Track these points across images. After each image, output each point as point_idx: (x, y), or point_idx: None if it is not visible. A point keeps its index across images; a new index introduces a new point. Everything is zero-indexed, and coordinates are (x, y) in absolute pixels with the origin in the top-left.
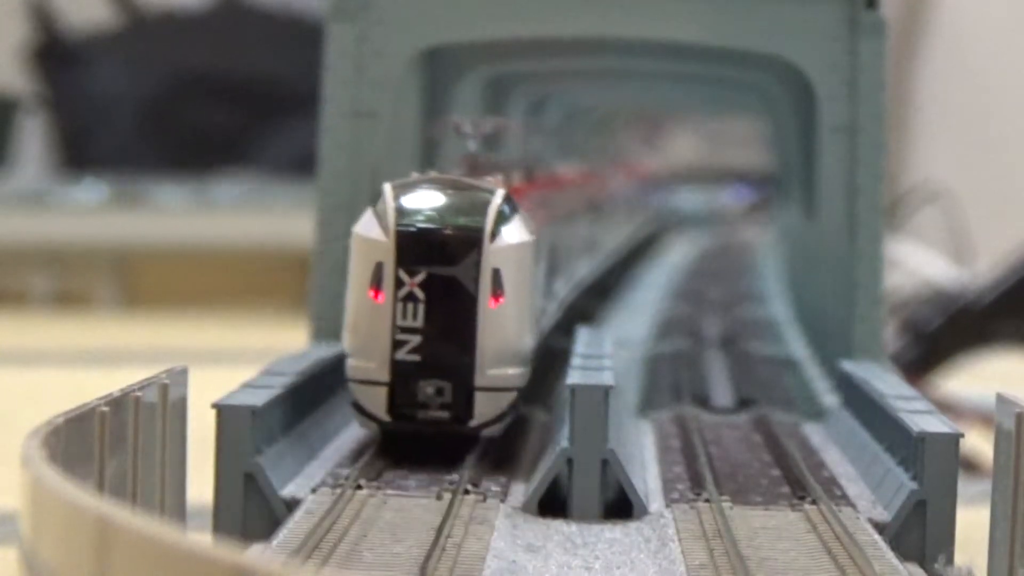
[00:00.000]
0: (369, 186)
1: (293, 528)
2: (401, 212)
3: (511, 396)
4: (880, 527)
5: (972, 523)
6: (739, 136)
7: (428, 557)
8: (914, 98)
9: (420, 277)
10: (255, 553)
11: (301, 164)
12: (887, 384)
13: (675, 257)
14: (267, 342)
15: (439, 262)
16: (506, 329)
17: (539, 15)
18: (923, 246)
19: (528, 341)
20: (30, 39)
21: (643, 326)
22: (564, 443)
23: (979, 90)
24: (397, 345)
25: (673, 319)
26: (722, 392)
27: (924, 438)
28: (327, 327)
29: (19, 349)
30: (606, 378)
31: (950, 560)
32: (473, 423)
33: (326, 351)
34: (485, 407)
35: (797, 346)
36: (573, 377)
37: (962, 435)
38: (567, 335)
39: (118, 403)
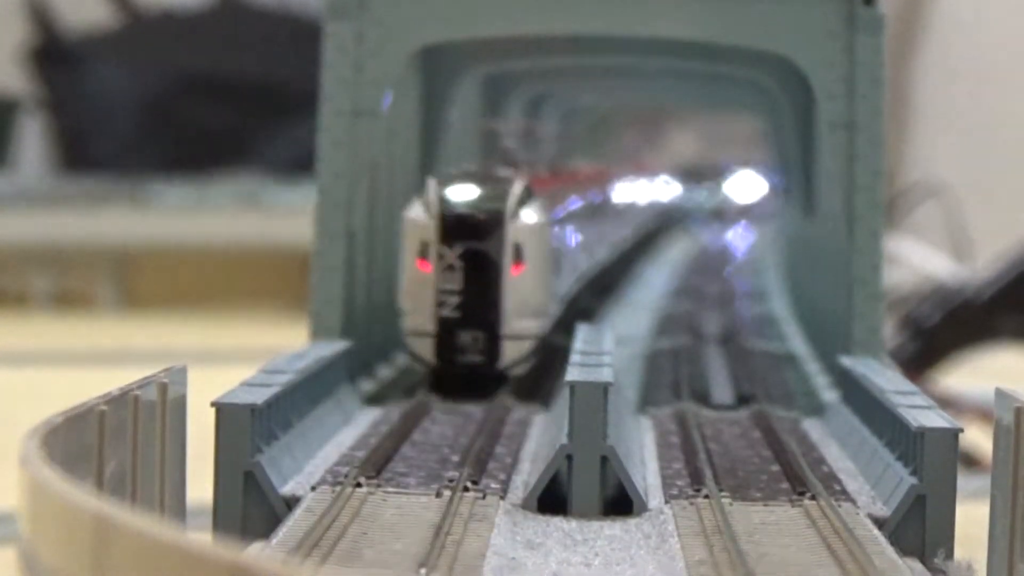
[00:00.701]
0: (368, 184)
1: (293, 526)
2: (442, 200)
3: (531, 343)
4: (880, 522)
5: (972, 518)
6: (738, 134)
7: (428, 554)
8: (913, 95)
9: (457, 251)
10: (255, 551)
11: (300, 163)
12: (886, 380)
13: (675, 253)
14: (267, 341)
15: (472, 239)
16: (526, 290)
17: (537, 13)
18: (922, 242)
19: (544, 299)
20: (29, 39)
21: (643, 323)
22: (564, 440)
23: (978, 86)
24: (440, 304)
25: (673, 316)
26: (722, 388)
27: (923, 433)
28: (327, 325)
29: (19, 349)
30: (605, 375)
31: (950, 555)
32: (501, 364)
33: (326, 349)
34: (510, 351)
35: (796, 342)
36: (572, 374)
37: (961, 430)
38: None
39: (117, 402)
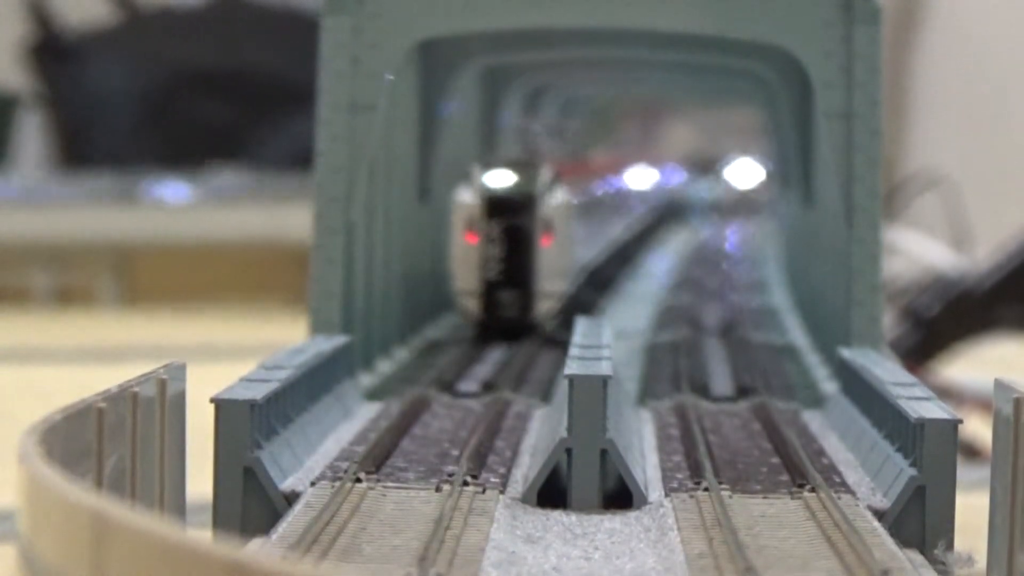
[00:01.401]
0: (367, 178)
1: (292, 521)
2: (485, 184)
3: (558, 299)
4: (880, 514)
5: (972, 508)
6: (736, 125)
7: (427, 549)
8: (912, 85)
9: (498, 226)
10: (255, 547)
11: (299, 158)
12: (886, 371)
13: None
14: (267, 337)
15: (510, 216)
16: (553, 258)
17: (535, 6)
18: (922, 233)
19: (569, 265)
20: (28, 36)
21: (643, 316)
22: (563, 433)
23: (977, 76)
24: (485, 269)
25: (673, 308)
26: (721, 381)
27: (923, 424)
28: (326, 320)
29: (19, 345)
30: (604, 368)
31: (950, 546)
32: (534, 317)
33: (325, 344)
34: (541, 307)
35: (796, 334)
36: (571, 367)
37: (961, 421)
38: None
39: (116, 399)
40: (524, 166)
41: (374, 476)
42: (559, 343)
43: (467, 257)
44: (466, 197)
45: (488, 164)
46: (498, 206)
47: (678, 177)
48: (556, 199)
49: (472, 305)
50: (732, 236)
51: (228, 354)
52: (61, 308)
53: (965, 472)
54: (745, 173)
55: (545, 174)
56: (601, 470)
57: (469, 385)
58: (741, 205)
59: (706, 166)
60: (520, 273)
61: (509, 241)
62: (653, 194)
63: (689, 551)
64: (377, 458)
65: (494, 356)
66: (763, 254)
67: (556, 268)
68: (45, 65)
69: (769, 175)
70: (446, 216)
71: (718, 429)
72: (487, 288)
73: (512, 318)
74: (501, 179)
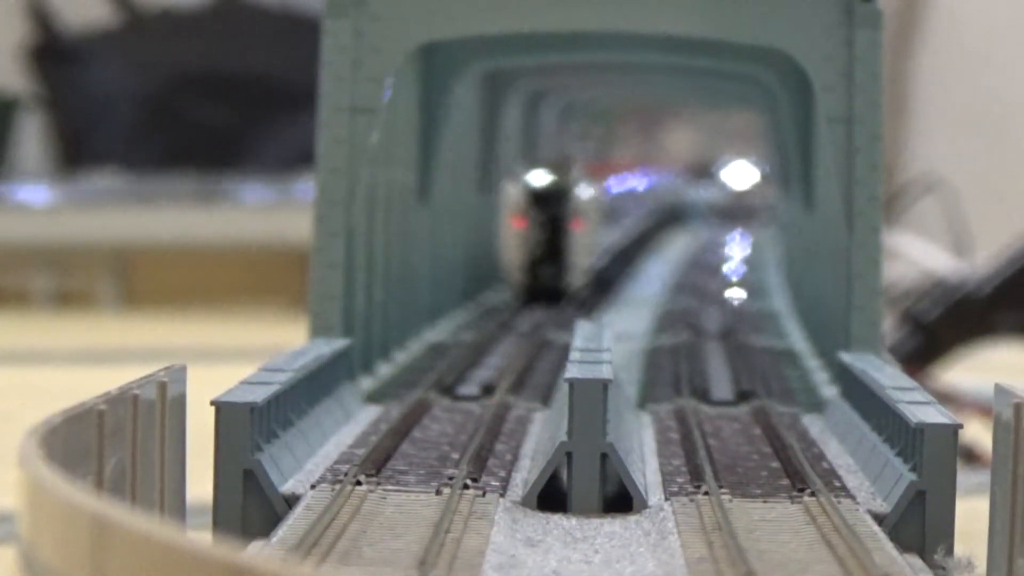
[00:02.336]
0: (367, 181)
1: (293, 524)
2: (529, 181)
3: (586, 272)
4: (879, 518)
5: (972, 513)
6: (736, 129)
7: (427, 552)
8: (912, 90)
9: (540, 214)
10: (255, 550)
11: (300, 160)
12: (886, 375)
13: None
14: (267, 340)
15: (549, 206)
16: (583, 240)
17: (535, 9)
18: (922, 238)
19: (595, 245)
20: (28, 38)
21: (643, 319)
22: (563, 437)
23: (977, 81)
24: (530, 248)
25: (673, 312)
26: (721, 385)
27: (923, 429)
28: (326, 323)
29: (19, 348)
30: (604, 372)
31: (950, 551)
32: (567, 286)
33: (325, 347)
34: (574, 278)
35: (796, 338)
36: (571, 371)
37: (961, 426)
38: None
39: (116, 401)
40: (559, 166)
41: (374, 479)
42: (587, 304)
43: (516, 239)
44: (514, 191)
45: (531, 165)
46: (539, 199)
47: (677, 181)
48: (585, 193)
49: (519, 277)
50: (730, 252)
51: (228, 357)
52: (61, 310)
53: (964, 477)
54: (741, 175)
55: (576, 172)
56: (601, 474)
57: (469, 388)
58: (738, 209)
59: (702, 171)
60: (557, 251)
61: (548, 227)
62: (655, 194)
63: (689, 555)
64: (377, 461)
65: (494, 360)
66: (763, 258)
67: (585, 247)
68: (45, 67)
69: (764, 177)
70: (447, 217)
71: (718, 433)
72: (532, 263)
73: (551, 286)
74: (542, 177)
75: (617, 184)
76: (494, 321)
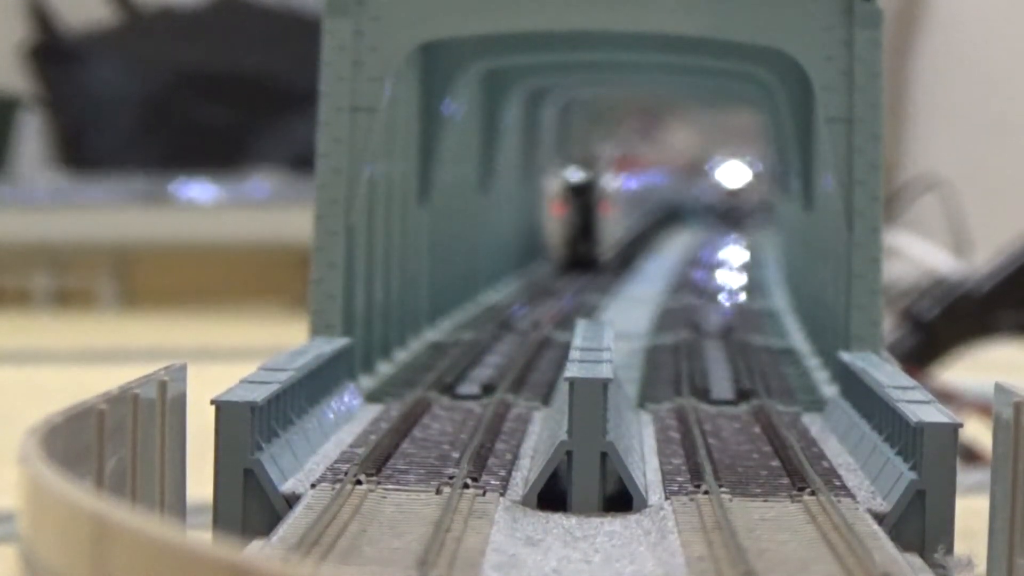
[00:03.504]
0: (368, 180)
1: (293, 524)
2: (567, 175)
3: (612, 246)
4: (879, 517)
5: (971, 512)
6: (736, 127)
7: (427, 551)
8: (912, 89)
9: (575, 202)
10: (255, 549)
11: (300, 160)
12: (885, 374)
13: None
14: (268, 339)
15: (582, 195)
16: (609, 221)
17: (535, 8)
18: (922, 238)
19: (620, 225)
20: (28, 38)
21: (644, 318)
22: (563, 436)
23: (977, 80)
24: (568, 229)
25: (672, 310)
26: (721, 384)
27: (923, 428)
28: (327, 322)
29: (20, 347)
30: (605, 371)
31: (950, 550)
32: (597, 257)
33: (326, 346)
34: (603, 250)
35: (796, 337)
36: (571, 370)
37: (961, 425)
38: (656, 227)
39: (117, 400)
40: (589, 162)
41: (374, 478)
42: (614, 271)
43: (556, 222)
44: (554, 183)
45: (566, 162)
46: (574, 190)
47: (672, 179)
48: (610, 184)
49: (559, 252)
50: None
51: (228, 356)
52: (61, 310)
53: (964, 475)
54: (734, 174)
55: (603, 167)
56: (601, 473)
57: (469, 387)
58: (731, 209)
59: (696, 169)
60: (589, 231)
61: (582, 211)
62: (658, 192)
63: (689, 554)
64: (377, 460)
65: (494, 359)
66: (762, 257)
67: (611, 226)
68: (45, 67)
69: (758, 175)
70: (448, 216)
71: (718, 432)
72: (570, 240)
73: (585, 257)
74: (575, 172)
75: (638, 176)
76: (541, 286)
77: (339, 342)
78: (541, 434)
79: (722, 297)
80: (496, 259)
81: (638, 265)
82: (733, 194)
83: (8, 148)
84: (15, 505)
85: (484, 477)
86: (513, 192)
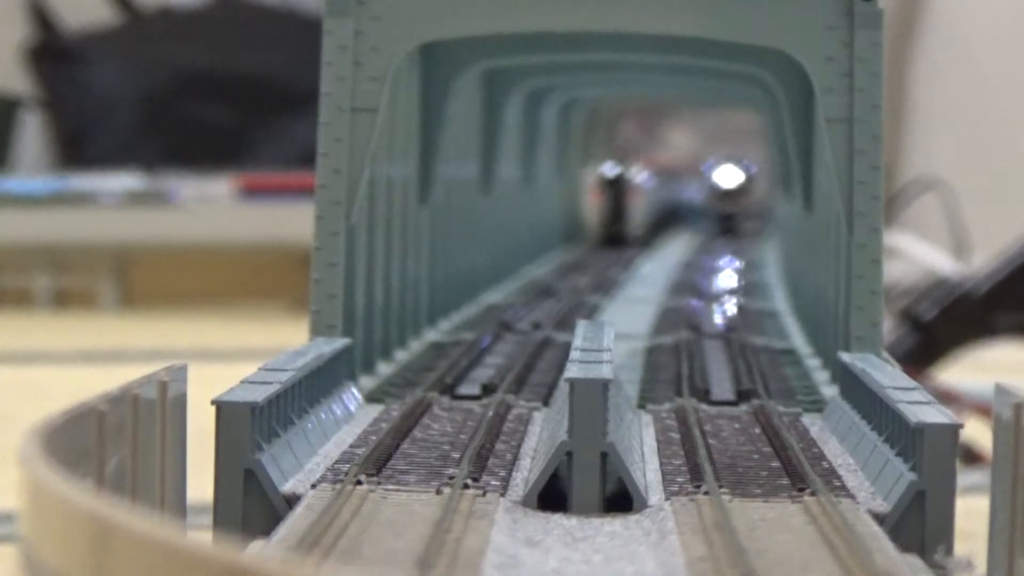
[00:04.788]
0: (368, 180)
1: (293, 524)
2: (602, 172)
3: (640, 227)
4: (879, 518)
5: (970, 513)
6: (736, 129)
7: (428, 552)
8: (911, 91)
9: (608, 192)
10: (255, 549)
11: (300, 160)
12: (886, 375)
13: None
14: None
15: (614, 187)
16: (637, 206)
17: (536, 9)
18: (921, 239)
19: (646, 210)
20: (28, 38)
21: (644, 318)
22: (563, 436)
23: (976, 82)
24: (603, 212)
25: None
26: (722, 384)
27: (923, 429)
28: (327, 322)
29: (20, 348)
30: (605, 372)
31: (950, 551)
32: (627, 235)
33: (326, 346)
34: (634, 230)
35: (796, 337)
36: (571, 371)
37: (961, 426)
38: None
39: (117, 401)
40: (620, 159)
41: (375, 479)
42: (639, 247)
43: (594, 208)
44: (591, 177)
45: (603, 162)
46: (608, 182)
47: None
48: (637, 178)
49: (598, 230)
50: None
51: (228, 356)
52: (61, 310)
53: (963, 476)
54: (730, 176)
55: (632, 163)
56: (602, 473)
57: (469, 388)
58: (729, 216)
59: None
60: (620, 215)
61: (615, 199)
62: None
63: (689, 554)
64: (378, 461)
65: (494, 359)
66: (763, 258)
67: (639, 211)
68: (45, 67)
69: (754, 177)
70: (449, 215)
71: (718, 433)
72: (606, 221)
73: (618, 235)
74: (610, 168)
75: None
76: (581, 257)
77: (339, 342)
78: (541, 435)
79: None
80: (543, 238)
81: (658, 242)
82: (729, 196)
83: (9, 148)
84: (15, 505)
85: (484, 477)
86: (551, 185)
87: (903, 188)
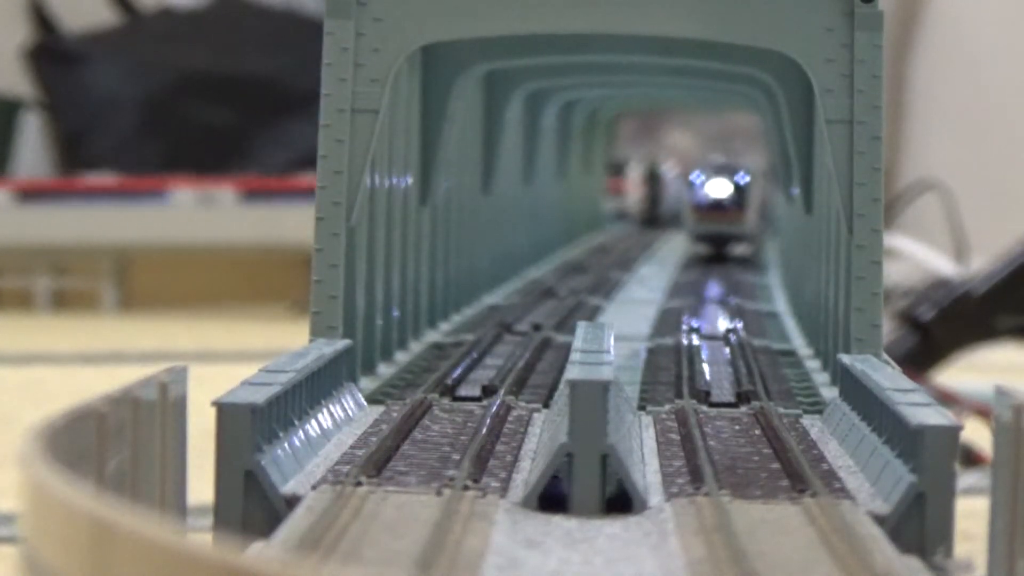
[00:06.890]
0: (368, 182)
1: (294, 525)
2: (643, 167)
3: (668, 211)
4: (879, 519)
5: (970, 514)
6: (737, 129)
7: (428, 553)
8: (911, 93)
9: (649, 183)
10: (256, 550)
11: (301, 161)
12: (886, 377)
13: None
14: (268, 341)
15: (652, 181)
16: (671, 195)
17: (537, 11)
18: (920, 241)
19: (679, 199)
20: (28, 39)
21: (644, 319)
22: (564, 438)
23: (976, 84)
24: (644, 201)
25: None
26: (722, 386)
27: (923, 431)
28: (328, 324)
29: (20, 349)
30: (605, 373)
31: (949, 552)
32: (660, 217)
33: (327, 348)
34: (665, 215)
35: (795, 339)
36: (572, 372)
37: (961, 427)
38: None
39: (117, 402)
40: (654, 159)
41: (375, 480)
42: (666, 227)
43: (636, 197)
44: (637, 172)
45: (642, 160)
46: (648, 176)
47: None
48: (669, 174)
49: (639, 215)
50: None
51: (229, 358)
52: (62, 312)
53: (963, 478)
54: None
55: (665, 162)
56: (602, 475)
57: (470, 389)
58: (718, 236)
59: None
60: (657, 202)
61: (652, 190)
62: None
63: (689, 556)
64: (378, 462)
65: (495, 361)
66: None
67: (673, 199)
68: (46, 68)
69: (741, 191)
70: (449, 217)
71: (718, 434)
72: (646, 207)
73: (654, 218)
74: (649, 166)
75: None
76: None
77: (340, 344)
78: (542, 436)
79: None
80: (543, 238)
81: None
82: (719, 209)
83: (10, 150)
84: (16, 507)
85: (484, 479)
86: (551, 186)
87: (903, 190)
